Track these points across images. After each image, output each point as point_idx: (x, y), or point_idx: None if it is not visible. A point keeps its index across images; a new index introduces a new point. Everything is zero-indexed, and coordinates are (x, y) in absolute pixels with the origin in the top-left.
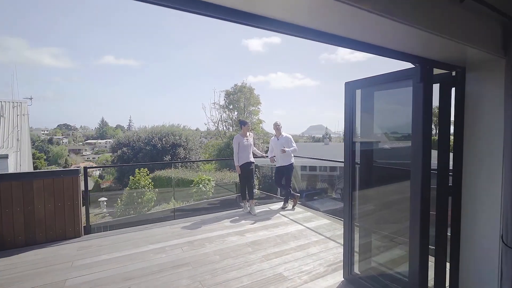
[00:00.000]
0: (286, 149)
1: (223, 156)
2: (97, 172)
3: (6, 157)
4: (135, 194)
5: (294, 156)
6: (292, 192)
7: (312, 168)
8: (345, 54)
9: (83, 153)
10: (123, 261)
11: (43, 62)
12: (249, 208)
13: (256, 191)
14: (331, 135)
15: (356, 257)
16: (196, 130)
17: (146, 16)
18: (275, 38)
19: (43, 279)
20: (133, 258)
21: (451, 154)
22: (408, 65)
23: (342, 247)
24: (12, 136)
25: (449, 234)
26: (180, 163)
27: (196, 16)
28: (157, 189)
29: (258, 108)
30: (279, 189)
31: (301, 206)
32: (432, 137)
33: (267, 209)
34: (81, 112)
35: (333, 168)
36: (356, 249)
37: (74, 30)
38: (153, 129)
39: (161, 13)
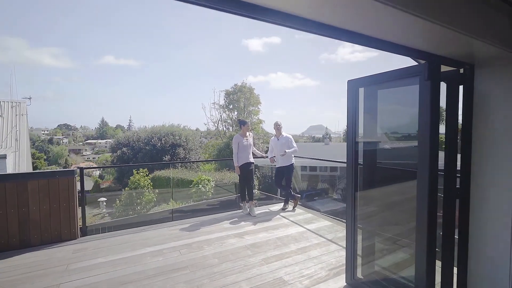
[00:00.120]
0: (287, 150)
1: (223, 156)
2: (97, 172)
3: (4, 157)
4: (134, 194)
5: (294, 156)
6: (292, 193)
7: (313, 168)
8: (345, 54)
9: (83, 153)
10: (119, 264)
11: (43, 62)
12: (248, 209)
13: (256, 191)
14: (331, 135)
15: (359, 261)
16: (196, 130)
17: (146, 16)
18: (275, 38)
19: (36, 284)
20: (129, 261)
21: (458, 155)
22: (408, 65)
23: (344, 250)
24: (11, 136)
25: (456, 236)
26: (179, 163)
27: (196, 16)
28: (157, 190)
29: (258, 108)
30: (279, 189)
31: (301, 207)
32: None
33: (267, 210)
34: (81, 112)
35: (333, 168)
36: (359, 252)
37: (74, 30)
38: (153, 129)
39: (161, 13)
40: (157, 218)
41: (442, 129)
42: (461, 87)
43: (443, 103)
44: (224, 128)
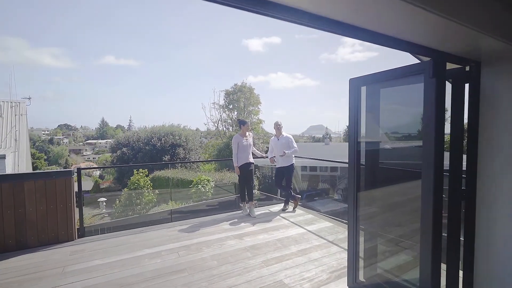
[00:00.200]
0: (286, 151)
1: (223, 157)
2: (97, 172)
3: (3, 157)
4: (133, 195)
5: (294, 156)
6: (292, 193)
7: (313, 169)
8: (345, 54)
9: (84, 153)
10: (117, 266)
11: (43, 62)
12: (248, 210)
13: (255, 191)
14: (332, 135)
15: (361, 263)
16: (196, 130)
17: (147, 16)
18: (275, 38)
19: (31, 287)
20: (127, 264)
21: (463, 156)
22: (410, 63)
23: (345, 252)
24: (10, 136)
25: (461, 238)
26: (179, 164)
27: (196, 16)
28: (157, 191)
29: (258, 108)
30: (279, 190)
31: (302, 208)
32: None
33: (267, 211)
34: (81, 112)
35: (333, 169)
36: (361, 254)
37: (74, 30)
38: (153, 129)
39: (161, 13)
40: (156, 219)
41: (447, 128)
42: (466, 86)
43: (448, 102)
44: (224, 128)
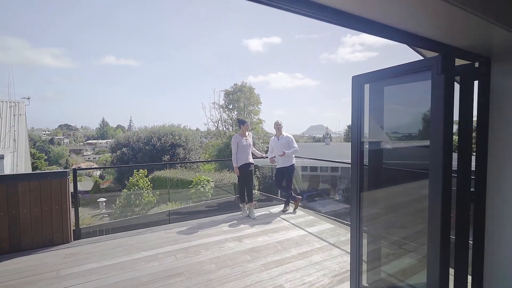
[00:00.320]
0: (286, 151)
1: (223, 157)
2: (97, 172)
3: (1, 157)
4: (132, 196)
5: (295, 156)
6: (293, 194)
7: (313, 169)
8: (345, 54)
9: (84, 153)
10: (112, 270)
11: (43, 62)
12: (248, 211)
13: (255, 192)
14: (332, 135)
15: (364, 267)
16: (196, 130)
17: (147, 16)
18: (275, 38)
19: None
20: (123, 267)
21: (472, 157)
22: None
23: (347, 254)
24: (9, 136)
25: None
26: (179, 164)
27: (197, 16)
28: (158, 192)
29: (259, 107)
30: (279, 191)
31: (302, 209)
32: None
33: (267, 212)
34: (82, 112)
35: (334, 169)
36: (364, 257)
37: (74, 30)
38: (153, 129)
39: (161, 13)
40: (154, 220)
41: (454, 128)
42: (476, 83)
43: (455, 100)
44: (224, 128)
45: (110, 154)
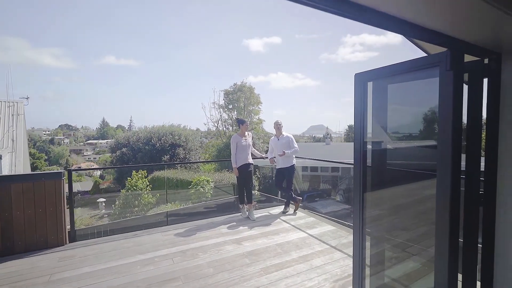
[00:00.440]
0: (286, 151)
1: (223, 157)
2: (97, 172)
3: None
4: (131, 196)
5: (295, 157)
6: (293, 195)
7: (314, 169)
8: (345, 54)
9: (84, 153)
10: (107, 274)
11: (44, 62)
12: (247, 212)
13: (255, 192)
14: (332, 135)
15: (367, 271)
16: (196, 130)
17: (147, 16)
18: (276, 38)
19: None
20: (118, 271)
21: (481, 158)
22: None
23: (349, 258)
24: (7, 137)
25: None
26: (179, 164)
27: (197, 16)
28: (158, 194)
29: (259, 107)
30: (279, 192)
31: (303, 210)
32: None
33: (267, 213)
34: (82, 112)
35: (335, 169)
36: (367, 261)
37: (75, 30)
38: (152, 129)
39: (161, 13)
40: (151, 222)
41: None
42: (485, 80)
43: (463, 98)
44: (224, 128)
45: (110, 154)
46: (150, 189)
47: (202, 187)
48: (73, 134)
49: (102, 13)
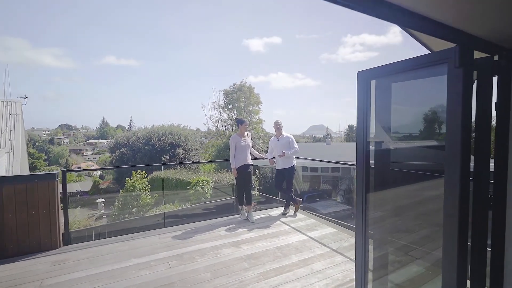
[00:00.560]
0: (286, 152)
1: (223, 157)
2: (97, 172)
3: None
4: (129, 197)
5: (295, 157)
6: (293, 196)
7: (314, 169)
8: (345, 54)
9: (84, 153)
10: (100, 279)
11: (44, 62)
12: (246, 214)
13: (255, 192)
14: (332, 135)
15: (370, 276)
16: (196, 130)
17: (147, 16)
18: (276, 38)
19: None
20: (112, 276)
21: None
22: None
23: (351, 262)
24: (5, 136)
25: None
26: (178, 165)
27: (198, 16)
28: (156, 194)
29: (259, 107)
30: (279, 193)
31: (303, 212)
32: None
33: (267, 215)
34: (82, 112)
35: (335, 169)
36: (370, 265)
37: (75, 30)
38: (152, 129)
39: (162, 13)
40: (149, 224)
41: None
42: (495, 78)
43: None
44: (224, 128)
45: (109, 154)
46: (149, 189)
47: (201, 187)
48: (73, 134)
49: (102, 13)
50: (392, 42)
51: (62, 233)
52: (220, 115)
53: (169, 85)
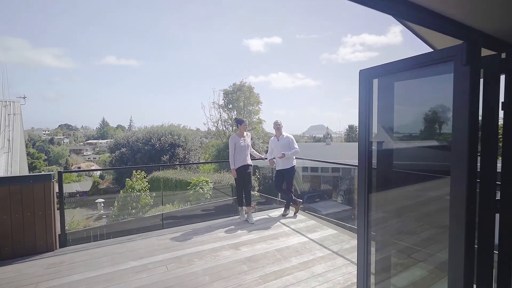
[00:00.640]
0: (286, 153)
1: (222, 157)
2: (98, 172)
3: None
4: (128, 198)
5: (295, 158)
6: (293, 197)
7: (314, 169)
8: (345, 54)
9: (84, 153)
10: (97, 283)
11: (45, 62)
12: (246, 215)
13: (255, 193)
14: (332, 135)
15: (372, 279)
16: (196, 130)
17: (148, 16)
18: (276, 38)
19: None
20: (109, 279)
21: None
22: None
23: (352, 265)
24: (3, 136)
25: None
26: (178, 165)
27: (198, 16)
28: (154, 194)
29: (259, 107)
30: (279, 193)
31: (303, 213)
32: None
33: (266, 216)
34: (82, 112)
35: (335, 169)
36: (372, 268)
37: (75, 30)
38: (152, 129)
39: (162, 14)
40: (147, 225)
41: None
42: (502, 77)
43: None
44: (224, 128)
45: (109, 154)
46: (148, 189)
47: (201, 188)
48: (73, 134)
49: (102, 13)
50: (392, 42)
51: (58, 235)
52: (220, 115)
53: (169, 85)
